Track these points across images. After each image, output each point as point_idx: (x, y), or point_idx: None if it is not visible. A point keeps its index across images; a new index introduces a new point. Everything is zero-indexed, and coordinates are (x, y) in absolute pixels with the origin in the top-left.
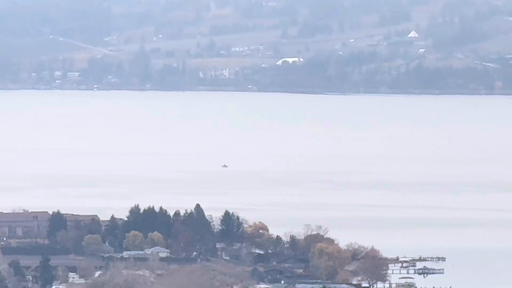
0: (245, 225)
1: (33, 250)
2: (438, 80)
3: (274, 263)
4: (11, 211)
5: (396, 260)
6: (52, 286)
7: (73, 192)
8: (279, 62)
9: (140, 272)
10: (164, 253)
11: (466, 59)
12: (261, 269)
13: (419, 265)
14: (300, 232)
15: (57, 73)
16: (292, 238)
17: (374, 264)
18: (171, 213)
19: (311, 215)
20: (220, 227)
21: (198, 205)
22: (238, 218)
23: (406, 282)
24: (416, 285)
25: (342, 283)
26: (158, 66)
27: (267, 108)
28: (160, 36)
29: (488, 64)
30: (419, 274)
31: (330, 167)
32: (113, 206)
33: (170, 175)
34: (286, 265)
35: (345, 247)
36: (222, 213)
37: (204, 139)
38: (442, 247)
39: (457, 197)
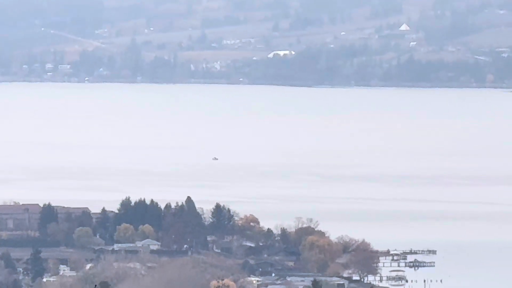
0: (236, 218)
1: (24, 243)
2: (430, 73)
3: (265, 255)
4: (2, 203)
5: (387, 253)
6: (43, 278)
7: (64, 185)
8: (271, 55)
9: (131, 265)
10: (155, 245)
11: (457, 52)
12: (252, 262)
13: (410, 258)
14: (291, 225)
15: (49, 65)
16: (283, 231)
17: (365, 257)
18: (162, 205)
19: (302, 208)
20: (211, 220)
21: (189, 198)
22: (229, 210)
23: (397, 275)
24: (407, 278)
25: (333, 276)
26: (149, 58)
27: (258, 101)
28: (151, 28)
29: (479, 57)
30: (410, 267)
31: (321, 160)
32: (104, 199)
33: (161, 168)
34: (277, 257)
35: (336, 240)
36: (213, 205)
37: (195, 132)
38: (433, 240)
39: (448, 190)
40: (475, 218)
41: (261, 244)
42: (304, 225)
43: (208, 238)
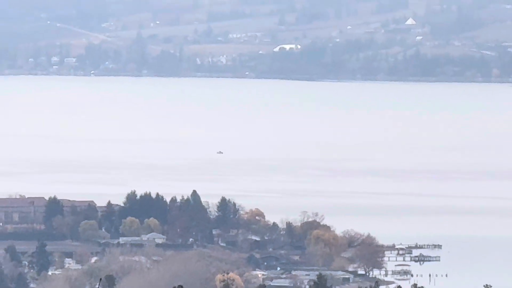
0: (241, 212)
1: (30, 236)
2: (435, 67)
3: (271, 249)
4: (7, 197)
5: (392, 248)
6: (48, 271)
7: (70, 178)
8: (277, 49)
9: (136, 258)
10: (160, 239)
11: (463, 46)
12: (257, 256)
13: (415, 252)
14: (296, 219)
15: (54, 58)
16: (289, 225)
17: (370, 251)
18: (168, 199)
19: (307, 202)
20: (216, 214)
21: (194, 192)
22: (234, 204)
23: (402, 269)
24: (412, 272)
25: (338, 270)
26: (155, 52)
27: (264, 95)
28: (157, 22)
29: (485, 52)
30: (415, 261)
31: (327, 154)
32: (109, 192)
33: (166, 162)
34: (282, 251)
35: (341, 234)
36: (219, 199)
37: (200, 125)
38: (438, 234)
39: (453, 185)
40: (481, 212)
41: (266, 238)
42: (310, 219)
43: (214, 232)
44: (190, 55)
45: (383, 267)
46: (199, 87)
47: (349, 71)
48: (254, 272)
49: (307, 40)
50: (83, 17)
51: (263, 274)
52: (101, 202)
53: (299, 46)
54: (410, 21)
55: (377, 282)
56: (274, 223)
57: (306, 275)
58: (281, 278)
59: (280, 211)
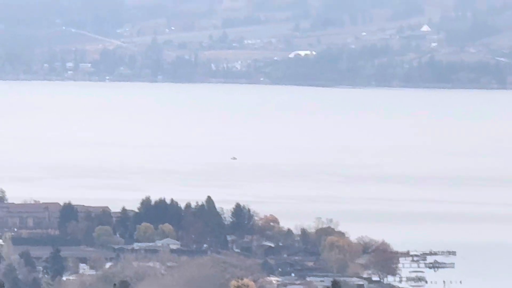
0: (256, 218)
1: (44, 241)
2: (450, 74)
3: (285, 255)
4: (22, 202)
5: (407, 254)
6: (62, 277)
7: (84, 183)
8: (291, 55)
9: (151, 264)
10: (175, 245)
11: (478, 53)
12: (272, 262)
13: (430, 259)
14: (311, 225)
15: (69, 64)
16: (303, 231)
17: (384, 257)
18: (182, 205)
19: (322, 208)
20: (231, 220)
21: (209, 197)
22: (249, 210)
23: (417, 276)
24: (427, 279)
25: (353, 277)
26: (170, 58)
27: (279, 100)
28: (172, 28)
29: (501, 58)
30: (430, 268)
31: (341, 160)
32: (124, 198)
33: (181, 167)
34: (297, 258)
35: (355, 241)
36: (233, 205)
37: (214, 131)
38: (452, 241)
39: (467, 191)
40: (495, 219)
41: (280, 244)
42: (324, 226)
43: (228, 238)
44: (205, 60)
45: (397, 274)
46: (214, 92)
47: (364, 77)
48: (269, 278)
49: (322, 46)
50: (98, 23)
51: (277, 280)
52: (115, 208)
53: (314, 52)
54: (425, 28)
55: None
56: (288, 229)
57: (321, 281)
58: (296, 284)
59: (295, 217)
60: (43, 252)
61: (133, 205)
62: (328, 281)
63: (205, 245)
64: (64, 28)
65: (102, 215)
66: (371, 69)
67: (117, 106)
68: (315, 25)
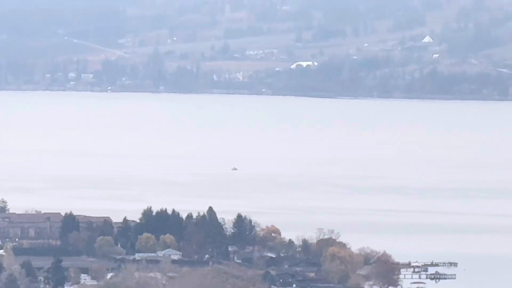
0: (257, 229)
1: (45, 251)
2: (452, 85)
3: (286, 266)
4: (23, 212)
5: (408, 265)
6: (63, 287)
7: (86, 194)
8: (293, 66)
9: (152, 274)
10: (176, 255)
11: (480, 64)
12: (273, 273)
13: (431, 270)
14: (312, 236)
15: (71, 74)
16: (304, 241)
17: (386, 268)
18: (184, 215)
19: (323, 219)
20: (232, 230)
21: (210, 208)
22: (250, 221)
23: (418, 287)
24: None
25: None
26: (172, 68)
27: (280, 111)
28: (174, 38)
29: (502, 70)
30: (431, 279)
31: (343, 171)
32: (125, 208)
33: (183, 178)
34: (298, 268)
35: (357, 252)
36: (235, 216)
37: (216, 142)
38: (454, 252)
39: (469, 203)
40: (497, 230)
41: (282, 254)
42: (325, 236)
43: (229, 249)
44: (207, 71)
45: (398, 285)
46: (215, 103)
47: (365, 88)
48: None
49: (324, 57)
50: (100, 33)
51: None
52: (117, 218)
53: (316, 63)
54: (427, 39)
55: None
56: (290, 240)
57: None
58: None
59: (296, 228)
60: (45, 262)
61: (135, 216)
62: None
63: (206, 256)
64: (66, 38)
65: (103, 226)
66: (372, 80)
67: (119, 116)
68: (317, 36)
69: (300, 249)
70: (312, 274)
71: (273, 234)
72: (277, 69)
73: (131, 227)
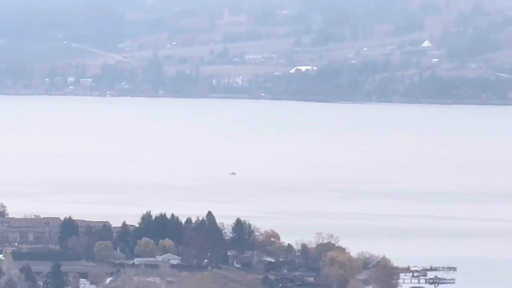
0: (256, 233)
1: (45, 256)
2: (451, 89)
3: (285, 271)
4: (22, 217)
5: (407, 270)
6: None
7: (85, 198)
8: (292, 70)
9: (151, 279)
10: (175, 260)
11: (479, 69)
12: (272, 277)
13: (430, 274)
14: (311, 241)
15: (70, 78)
16: (304, 246)
17: (385, 273)
18: (183, 220)
19: (322, 224)
20: (231, 235)
21: (209, 213)
22: (249, 226)
23: None
24: None
25: None
26: (171, 73)
27: (279, 116)
28: (173, 43)
29: (501, 74)
30: (430, 283)
31: (342, 176)
32: (124, 213)
33: (182, 182)
34: (297, 273)
35: (356, 256)
36: (234, 220)
37: (215, 146)
38: (453, 256)
39: (468, 207)
40: (496, 235)
41: (281, 259)
42: (325, 241)
43: (229, 253)
44: (206, 76)
45: None
46: (214, 108)
47: (364, 92)
48: None
49: (323, 62)
50: (99, 37)
51: None
52: (116, 223)
53: (315, 68)
54: (426, 43)
55: None
56: (289, 244)
57: None
58: None
59: (295, 233)
60: (44, 267)
61: (134, 220)
62: None
63: (205, 260)
64: (65, 42)
65: (102, 230)
66: (371, 84)
67: (118, 121)
68: (316, 40)
69: (299, 253)
70: (311, 279)
71: (272, 239)
72: (276, 73)
73: (130, 232)
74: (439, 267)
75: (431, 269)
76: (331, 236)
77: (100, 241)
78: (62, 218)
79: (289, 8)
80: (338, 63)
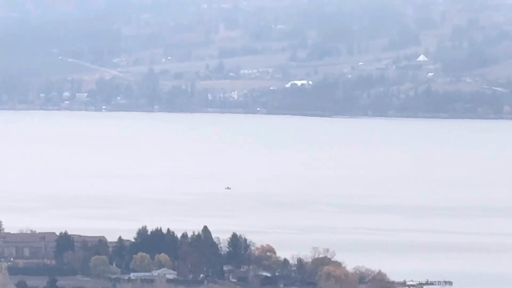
0: (252, 248)
1: (40, 271)
2: (447, 104)
3: (282, 285)
4: (18, 232)
5: (403, 284)
6: None
7: (81, 213)
8: (288, 85)
9: None
10: (171, 275)
11: (474, 83)
12: None
13: None
14: (307, 255)
15: (66, 93)
16: (300, 261)
17: (381, 287)
18: (179, 235)
19: (318, 238)
20: (227, 250)
21: (205, 227)
22: (245, 240)
23: None
24: None
25: None
26: (166, 87)
27: (275, 130)
28: (169, 57)
29: (497, 88)
30: None
31: (338, 190)
32: (120, 228)
33: (177, 197)
34: (293, 287)
35: (352, 270)
36: (230, 235)
37: (210, 161)
38: (449, 271)
39: (464, 221)
40: (492, 249)
41: (277, 274)
42: (321, 255)
43: (225, 268)
44: (202, 90)
45: None
46: (210, 122)
47: (360, 107)
48: None
49: (319, 76)
50: (94, 52)
51: None
52: (112, 238)
53: (310, 82)
54: (421, 58)
55: None
56: (285, 259)
57: None
58: None
59: (291, 247)
60: (40, 282)
61: (130, 235)
62: None
63: (201, 275)
64: (60, 57)
65: (98, 245)
66: (367, 99)
67: (114, 136)
68: (311, 55)
69: (295, 268)
70: None
71: (268, 253)
72: (271, 88)
73: (126, 247)
74: (435, 282)
75: (427, 283)
76: (327, 250)
77: (96, 256)
78: (58, 233)
79: (284, 23)
80: (334, 77)
